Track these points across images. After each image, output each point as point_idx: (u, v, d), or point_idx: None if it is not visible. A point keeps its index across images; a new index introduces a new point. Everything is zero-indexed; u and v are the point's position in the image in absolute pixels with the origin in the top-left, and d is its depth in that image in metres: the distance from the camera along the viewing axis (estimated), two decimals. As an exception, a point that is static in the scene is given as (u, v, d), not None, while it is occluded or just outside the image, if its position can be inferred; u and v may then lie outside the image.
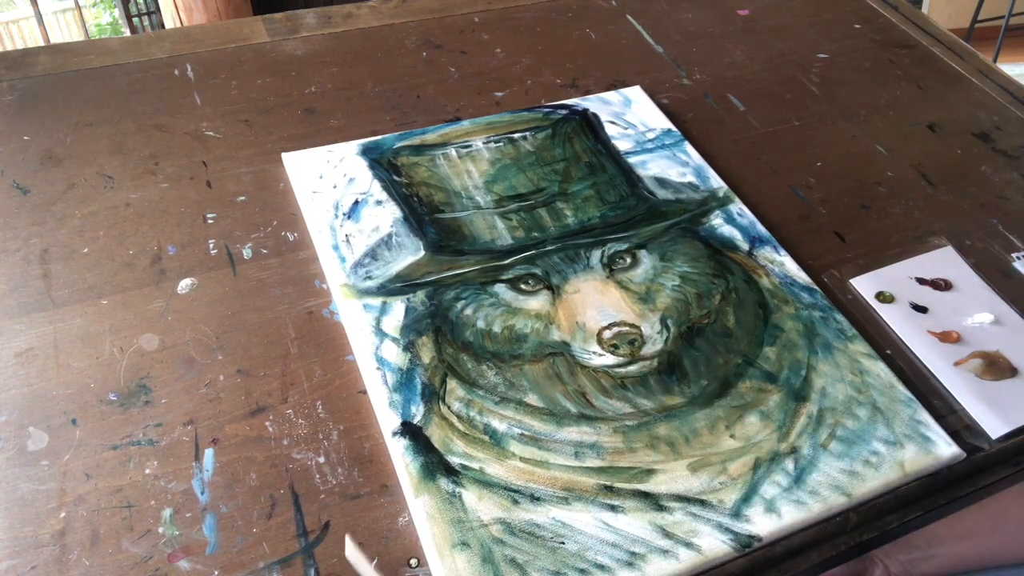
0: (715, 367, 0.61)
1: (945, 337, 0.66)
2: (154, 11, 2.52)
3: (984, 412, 0.61)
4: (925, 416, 0.59)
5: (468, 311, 0.63)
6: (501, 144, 0.77)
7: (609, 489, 0.53)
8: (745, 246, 0.71)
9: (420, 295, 0.63)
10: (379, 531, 0.51)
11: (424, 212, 0.70)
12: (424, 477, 0.53)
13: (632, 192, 0.74)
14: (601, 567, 0.50)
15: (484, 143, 0.77)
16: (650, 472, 0.54)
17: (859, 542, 0.55)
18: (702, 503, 0.53)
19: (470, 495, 0.52)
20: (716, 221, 0.73)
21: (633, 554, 0.50)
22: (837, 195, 0.79)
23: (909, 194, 0.80)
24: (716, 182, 0.77)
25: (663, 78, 0.91)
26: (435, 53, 0.91)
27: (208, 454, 0.54)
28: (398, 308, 0.62)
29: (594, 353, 0.61)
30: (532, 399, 0.58)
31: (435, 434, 0.55)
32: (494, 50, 0.92)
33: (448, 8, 0.98)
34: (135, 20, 2.56)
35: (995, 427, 0.60)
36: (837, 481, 0.55)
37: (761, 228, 0.73)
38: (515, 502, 0.52)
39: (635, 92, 0.86)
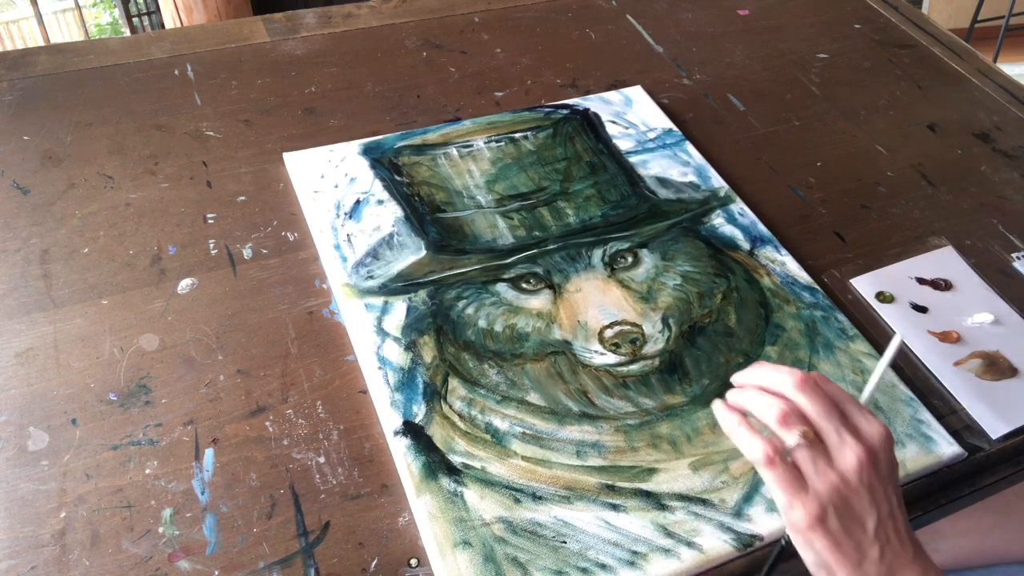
0: (717, 366, 0.61)
1: (945, 337, 0.66)
2: (154, 11, 2.52)
3: (984, 412, 0.61)
4: (926, 415, 0.59)
5: (470, 310, 0.63)
6: (502, 143, 0.77)
7: (611, 488, 0.53)
8: (746, 245, 0.71)
9: (422, 294, 0.63)
10: (379, 531, 0.51)
11: (425, 211, 0.70)
12: (426, 476, 0.53)
13: (633, 191, 0.74)
14: (603, 566, 0.50)
15: (485, 143, 0.77)
16: (652, 471, 0.54)
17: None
18: (704, 502, 0.53)
19: (472, 494, 0.52)
20: (717, 221, 0.73)
21: (635, 553, 0.50)
22: (837, 195, 0.79)
23: (909, 194, 0.80)
24: (717, 181, 0.77)
25: (663, 78, 0.91)
26: (435, 53, 0.91)
27: (208, 454, 0.54)
28: (400, 307, 0.62)
29: (596, 352, 0.61)
30: (534, 398, 0.58)
31: (437, 433, 0.55)
32: (494, 50, 0.92)
33: (448, 8, 0.98)
34: (135, 20, 2.56)
35: (995, 427, 0.60)
36: (838, 480, 0.55)
37: (762, 228, 0.73)
38: (517, 501, 0.52)
39: (636, 92, 0.86)
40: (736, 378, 0.49)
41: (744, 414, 0.47)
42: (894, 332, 0.66)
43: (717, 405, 0.49)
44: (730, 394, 0.49)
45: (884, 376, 0.61)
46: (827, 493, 0.43)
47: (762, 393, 0.47)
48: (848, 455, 0.44)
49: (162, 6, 2.23)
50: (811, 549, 0.44)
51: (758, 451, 0.45)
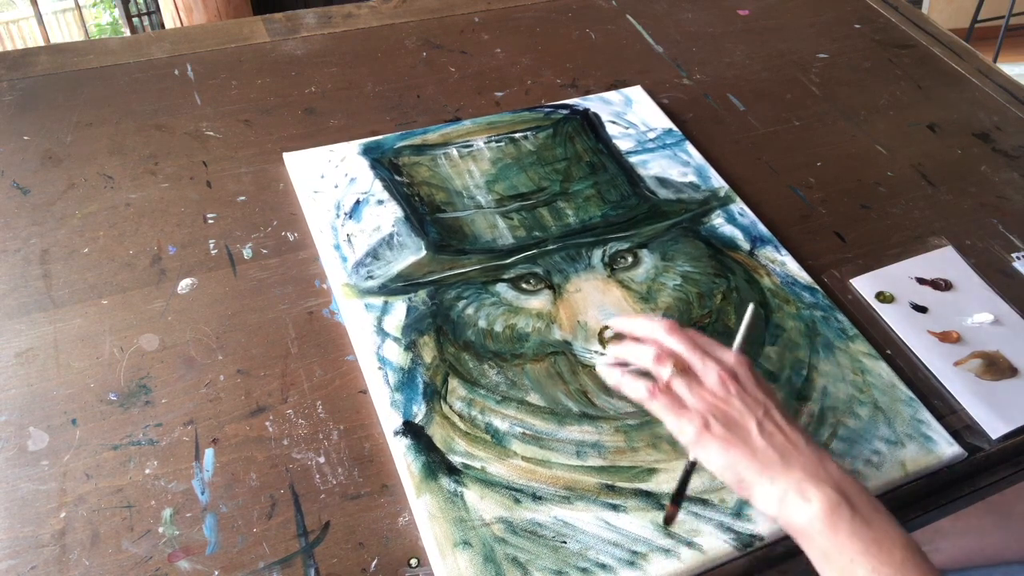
0: (716, 367, 0.61)
1: (945, 337, 0.66)
2: (154, 11, 2.52)
3: (984, 412, 0.61)
4: (926, 415, 0.59)
5: (470, 310, 0.63)
6: (502, 144, 0.77)
7: (611, 488, 0.53)
8: (746, 246, 0.71)
9: (422, 294, 0.63)
10: (379, 531, 0.51)
11: (425, 211, 0.70)
12: (426, 476, 0.53)
13: (633, 191, 0.74)
14: (603, 566, 0.50)
15: (485, 143, 0.77)
16: (652, 471, 0.54)
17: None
18: (704, 502, 0.53)
19: (472, 494, 0.52)
20: (717, 221, 0.73)
21: (635, 553, 0.50)
22: (837, 195, 0.79)
23: (909, 194, 0.80)
24: (717, 182, 0.77)
25: (663, 78, 0.91)
26: (435, 53, 0.91)
27: (208, 454, 0.54)
28: (400, 308, 0.62)
29: (596, 352, 0.61)
30: (534, 398, 0.58)
31: (437, 433, 0.55)
32: (494, 50, 0.92)
33: (448, 8, 0.98)
34: (135, 20, 2.56)
35: (995, 427, 0.60)
36: (838, 480, 0.55)
37: (762, 228, 0.72)
38: (517, 501, 0.52)
39: (636, 92, 0.86)
40: (613, 321, 0.59)
41: (624, 366, 0.55)
42: (893, 333, 0.66)
43: (600, 365, 0.56)
44: (609, 351, 0.58)
45: (884, 375, 0.61)
46: (703, 406, 0.50)
47: (637, 344, 0.55)
48: (711, 375, 0.52)
49: (162, 6, 2.23)
50: (710, 455, 0.49)
51: (641, 390, 0.52)
